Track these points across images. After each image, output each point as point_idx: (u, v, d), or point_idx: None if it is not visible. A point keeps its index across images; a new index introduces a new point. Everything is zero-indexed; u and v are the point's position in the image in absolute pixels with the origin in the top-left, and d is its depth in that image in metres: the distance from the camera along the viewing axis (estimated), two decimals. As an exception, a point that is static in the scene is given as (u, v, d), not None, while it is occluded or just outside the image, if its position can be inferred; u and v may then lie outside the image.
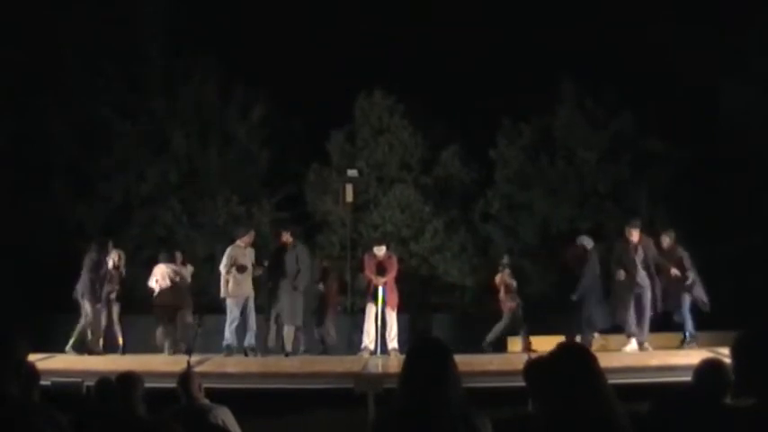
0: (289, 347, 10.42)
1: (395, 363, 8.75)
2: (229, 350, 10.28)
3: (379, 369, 8.36)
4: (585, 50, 15.70)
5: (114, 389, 4.35)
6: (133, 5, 16.74)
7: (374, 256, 10.54)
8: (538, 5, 17.27)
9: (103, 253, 10.91)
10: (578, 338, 9.79)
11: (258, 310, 10.64)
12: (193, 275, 12.32)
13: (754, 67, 15.07)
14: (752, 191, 14.37)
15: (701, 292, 10.27)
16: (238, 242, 10.66)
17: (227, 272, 10.41)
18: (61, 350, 10.22)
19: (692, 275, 10.16)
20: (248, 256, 10.60)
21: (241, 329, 10.45)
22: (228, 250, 10.59)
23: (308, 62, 17.58)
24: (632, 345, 9.76)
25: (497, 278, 12.20)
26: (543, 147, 16.88)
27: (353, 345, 11.61)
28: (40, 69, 15.57)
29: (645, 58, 15.53)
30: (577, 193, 16.46)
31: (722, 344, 8.10)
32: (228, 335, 10.42)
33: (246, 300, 10.45)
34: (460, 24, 17.74)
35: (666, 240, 10.49)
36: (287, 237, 10.85)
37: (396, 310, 10.47)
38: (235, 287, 10.46)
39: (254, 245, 10.89)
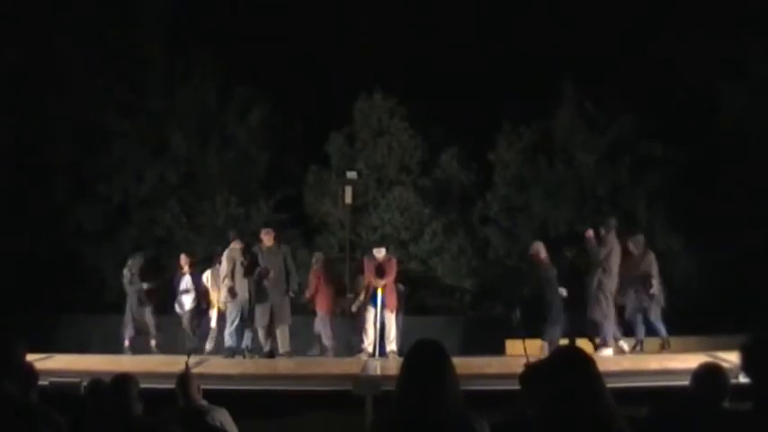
0: (286, 347, 10.41)
1: (393, 365, 8.74)
2: (229, 352, 10.29)
3: (378, 371, 8.35)
4: (585, 53, 15.70)
5: (106, 390, 4.34)
6: (133, 5, 16.74)
7: (373, 258, 10.53)
8: (537, 8, 17.28)
9: None
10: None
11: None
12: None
13: (753, 69, 15.08)
14: (752, 192, 14.35)
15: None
16: (233, 245, 10.67)
17: (231, 277, 10.41)
18: (59, 350, 10.17)
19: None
20: (244, 258, 10.60)
21: (240, 331, 10.45)
22: (227, 253, 10.60)
23: (307, 63, 17.57)
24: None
25: None
26: (542, 149, 16.88)
27: (352, 347, 11.60)
28: (40, 69, 15.55)
29: (644, 61, 15.53)
30: (576, 195, 16.46)
31: (721, 348, 8.11)
32: (228, 337, 10.43)
33: (245, 302, 10.45)
34: (460, 27, 17.75)
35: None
36: (271, 238, 10.71)
37: (394, 312, 10.47)
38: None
39: (249, 247, 10.87)
